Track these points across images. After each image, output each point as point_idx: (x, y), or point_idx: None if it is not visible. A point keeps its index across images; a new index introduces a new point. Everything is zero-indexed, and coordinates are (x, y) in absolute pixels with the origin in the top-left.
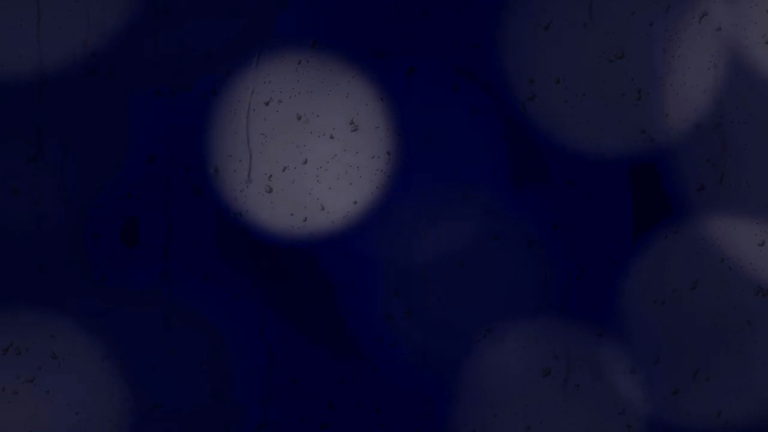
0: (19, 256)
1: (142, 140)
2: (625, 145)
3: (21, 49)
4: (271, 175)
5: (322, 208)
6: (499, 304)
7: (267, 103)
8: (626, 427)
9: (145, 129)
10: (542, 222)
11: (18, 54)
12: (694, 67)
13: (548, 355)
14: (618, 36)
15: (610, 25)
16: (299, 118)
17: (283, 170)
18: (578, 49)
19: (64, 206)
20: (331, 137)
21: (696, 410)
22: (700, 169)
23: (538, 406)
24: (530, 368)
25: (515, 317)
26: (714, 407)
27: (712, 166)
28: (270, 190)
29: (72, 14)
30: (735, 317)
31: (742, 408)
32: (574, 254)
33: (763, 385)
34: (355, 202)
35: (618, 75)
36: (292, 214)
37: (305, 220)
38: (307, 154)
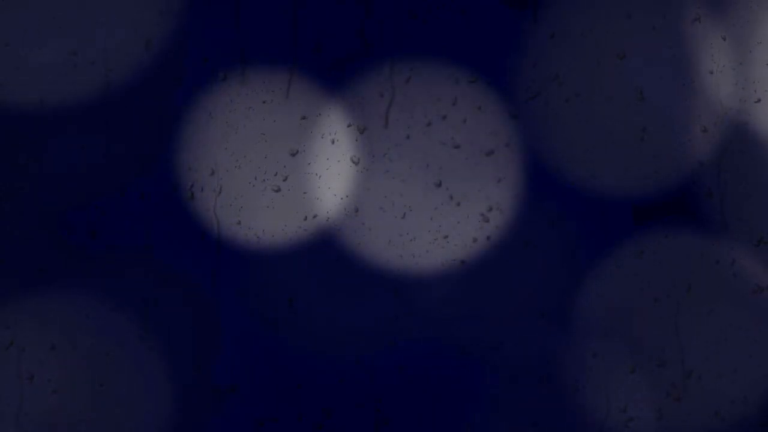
0: (19, 255)
1: (141, 140)
2: (625, 146)
3: (26, 58)
4: (276, 173)
5: (321, 209)
6: (499, 305)
7: (265, 102)
8: (625, 427)
9: (144, 129)
10: (540, 221)
11: (23, 62)
12: (695, 69)
13: (548, 355)
14: (619, 38)
15: (611, 27)
16: (303, 118)
17: (284, 170)
18: (579, 50)
19: (64, 206)
20: (332, 139)
21: (694, 410)
22: (702, 170)
23: (539, 406)
24: (530, 369)
25: (515, 318)
26: (712, 407)
27: (713, 167)
28: (279, 190)
29: (73, 17)
30: (733, 316)
31: (741, 408)
32: (571, 254)
33: (761, 385)
34: (357, 210)
35: (619, 76)
36: (291, 214)
37: (305, 219)
38: (308, 154)
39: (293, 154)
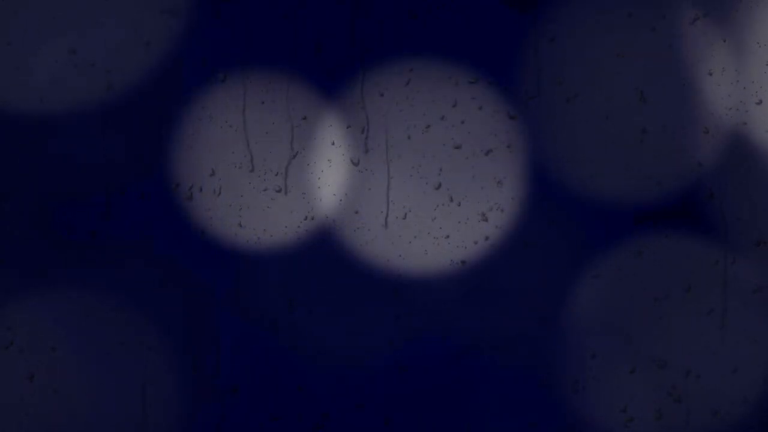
0: (19, 255)
1: (141, 141)
2: (626, 146)
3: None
4: (276, 173)
5: (321, 209)
6: (500, 306)
7: (264, 103)
8: (625, 427)
9: (144, 129)
10: (540, 222)
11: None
12: (696, 70)
13: (548, 355)
14: (619, 38)
15: (611, 27)
16: (303, 119)
17: (284, 170)
18: (580, 50)
19: (64, 206)
20: (332, 140)
21: (694, 410)
22: (702, 171)
23: (539, 406)
24: (530, 369)
25: (515, 318)
26: (712, 407)
27: (714, 168)
28: (280, 190)
29: (73, 18)
30: (733, 316)
31: (741, 408)
32: (572, 254)
33: (761, 385)
34: (357, 211)
35: (619, 77)
36: (291, 214)
37: (305, 219)
38: (308, 154)
39: (293, 155)
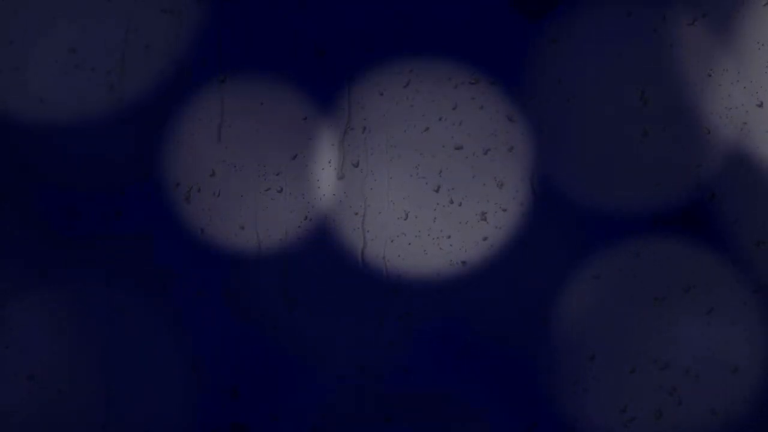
0: (19, 255)
1: (141, 141)
2: (627, 147)
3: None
4: (277, 174)
5: (321, 210)
6: (500, 306)
7: (265, 104)
8: (625, 427)
9: (144, 130)
10: (541, 222)
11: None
12: (697, 72)
13: (548, 355)
14: (620, 39)
15: (612, 29)
16: (304, 119)
17: (284, 171)
18: (580, 51)
19: (64, 206)
20: (332, 141)
21: (694, 410)
22: (703, 172)
23: (540, 406)
24: (531, 369)
25: (515, 318)
26: (712, 407)
27: (715, 169)
28: (280, 190)
29: (73, 18)
30: (733, 316)
31: (741, 408)
32: (572, 255)
33: (761, 385)
34: (357, 212)
35: (620, 78)
36: (291, 215)
37: (305, 219)
38: (308, 155)
39: (294, 156)
